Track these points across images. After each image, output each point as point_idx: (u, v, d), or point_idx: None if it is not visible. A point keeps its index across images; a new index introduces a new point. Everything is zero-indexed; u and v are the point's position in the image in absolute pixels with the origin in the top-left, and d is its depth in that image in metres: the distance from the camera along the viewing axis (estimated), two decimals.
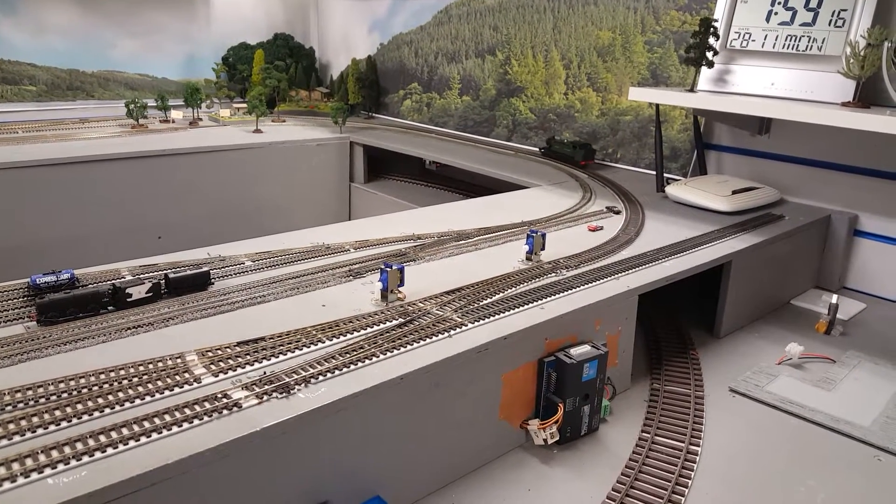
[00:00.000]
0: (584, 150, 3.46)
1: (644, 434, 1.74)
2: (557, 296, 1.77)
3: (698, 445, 1.70)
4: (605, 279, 1.91)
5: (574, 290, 1.82)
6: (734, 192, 2.77)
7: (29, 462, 1.04)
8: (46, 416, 1.15)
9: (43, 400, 1.20)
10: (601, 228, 2.39)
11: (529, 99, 3.98)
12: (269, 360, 1.39)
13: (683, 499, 1.50)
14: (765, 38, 2.72)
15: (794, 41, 2.64)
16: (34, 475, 1.01)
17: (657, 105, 3.01)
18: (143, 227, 3.46)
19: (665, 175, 3.05)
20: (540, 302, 1.73)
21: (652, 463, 1.62)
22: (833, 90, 2.46)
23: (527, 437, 1.69)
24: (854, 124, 2.22)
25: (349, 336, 1.51)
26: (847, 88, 2.40)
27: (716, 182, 2.90)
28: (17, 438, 1.09)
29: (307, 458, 1.27)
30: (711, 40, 2.70)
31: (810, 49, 2.60)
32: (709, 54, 2.71)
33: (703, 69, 2.77)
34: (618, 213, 2.62)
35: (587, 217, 2.54)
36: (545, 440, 1.64)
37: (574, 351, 1.66)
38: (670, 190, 2.85)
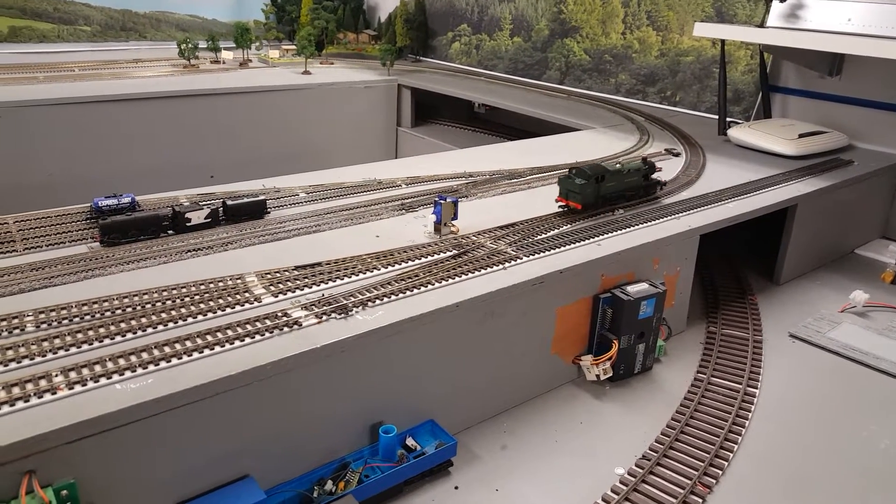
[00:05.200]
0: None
1: (700, 375, 1.71)
2: (615, 233, 1.72)
3: (756, 388, 1.66)
4: (665, 218, 1.85)
5: (632, 228, 1.76)
6: (800, 136, 2.63)
7: (98, 368, 1.07)
8: (112, 328, 1.18)
9: (108, 313, 1.23)
10: (660, 170, 2.30)
11: (584, 39, 3.84)
12: (327, 283, 1.39)
13: (741, 438, 1.48)
14: None
15: None
16: (103, 380, 1.04)
17: (723, 43, 2.86)
18: (195, 166, 3.50)
19: (727, 119, 2.92)
20: (597, 238, 1.69)
21: (708, 402, 1.59)
22: None
23: (579, 373, 1.68)
24: None
25: (404, 265, 1.50)
26: None
27: (781, 125, 2.77)
28: (85, 347, 1.13)
29: (364, 378, 1.28)
30: None
31: None
32: None
33: (774, 4, 2.61)
34: (677, 155, 2.52)
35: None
36: (598, 376, 1.62)
37: (631, 288, 1.62)
38: (733, 133, 2.73)
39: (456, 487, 1.32)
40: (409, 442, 1.35)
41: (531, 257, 1.57)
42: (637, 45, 3.57)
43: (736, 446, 1.45)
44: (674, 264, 1.81)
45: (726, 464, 1.40)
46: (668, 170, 2.32)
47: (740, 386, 1.65)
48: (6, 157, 2.93)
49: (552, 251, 1.61)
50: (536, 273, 1.49)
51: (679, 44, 3.41)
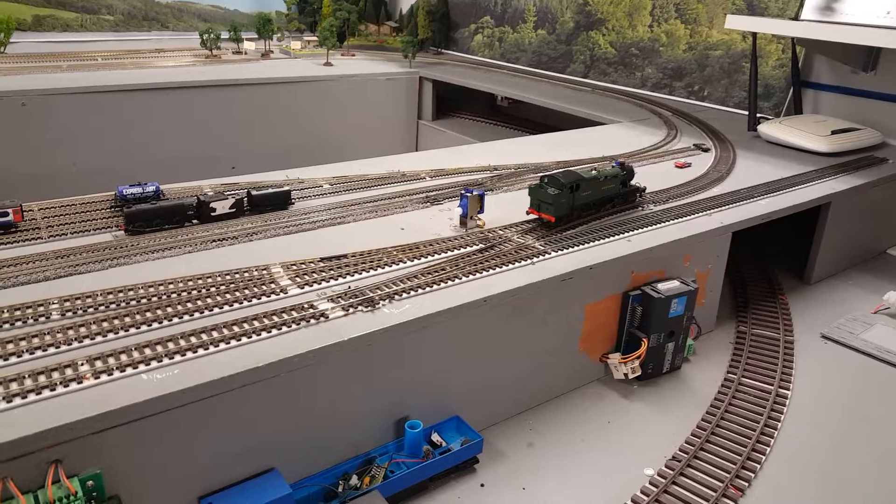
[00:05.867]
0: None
1: (730, 375, 1.67)
2: (645, 229, 1.69)
3: (788, 389, 1.62)
4: (697, 214, 1.80)
5: (663, 224, 1.73)
6: (833, 133, 2.57)
7: (124, 358, 1.06)
8: (138, 317, 1.16)
9: (134, 302, 1.21)
10: (689, 165, 2.26)
11: (610, 32, 3.78)
12: (353, 275, 1.37)
13: (773, 440, 1.44)
14: None
15: None
16: (129, 370, 1.03)
17: (754, 36, 2.80)
18: (216, 157, 3.50)
19: (757, 114, 2.85)
20: (626, 234, 1.65)
21: (739, 404, 1.55)
22: None
23: (606, 371, 1.65)
24: None
25: (430, 258, 1.48)
26: None
27: (813, 121, 2.70)
28: (111, 336, 1.12)
29: (389, 372, 1.26)
30: None
31: None
32: None
33: None
34: (706, 150, 2.47)
35: (673, 154, 2.41)
36: (625, 375, 1.59)
37: (662, 285, 1.58)
38: (763, 128, 2.67)
39: (482, 485, 1.30)
40: (435, 438, 1.33)
41: (559, 252, 1.54)
42: (664, 38, 3.51)
43: (769, 449, 1.41)
44: (705, 262, 1.77)
45: (759, 467, 1.36)
46: (697, 165, 2.27)
47: (772, 387, 1.61)
48: (30, 144, 2.94)
49: (581, 247, 1.57)
50: (565, 269, 1.46)
51: (708, 37, 3.35)
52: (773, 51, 3.10)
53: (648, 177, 2.07)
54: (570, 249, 1.55)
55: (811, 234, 2.21)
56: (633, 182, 1.81)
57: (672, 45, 3.48)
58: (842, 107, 2.91)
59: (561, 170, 1.70)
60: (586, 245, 1.58)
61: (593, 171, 1.69)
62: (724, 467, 1.34)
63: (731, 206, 1.90)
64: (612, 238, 1.62)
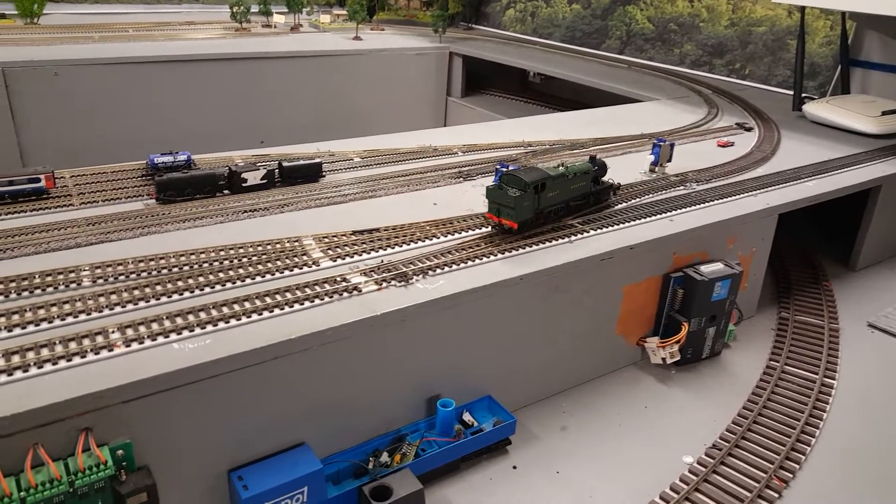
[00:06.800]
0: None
1: (772, 363, 1.61)
2: (688, 209, 1.62)
3: (833, 379, 1.56)
4: (741, 195, 1.73)
5: (706, 203, 1.66)
6: (883, 114, 2.46)
7: (155, 326, 1.04)
8: (169, 286, 1.14)
9: (165, 271, 1.19)
10: (732, 144, 2.18)
11: (648, 7, 3.66)
12: (385, 249, 1.34)
13: (818, 431, 1.38)
14: None
15: None
16: (160, 339, 1.01)
17: (803, 10, 2.68)
18: (244, 130, 3.48)
19: (802, 94, 2.74)
20: (668, 214, 1.59)
21: (782, 392, 1.49)
22: None
23: (642, 355, 1.60)
24: None
25: (464, 234, 1.44)
26: None
27: (862, 102, 2.58)
28: (142, 304, 1.09)
29: (422, 349, 1.23)
30: None
31: None
32: None
33: None
34: (749, 129, 2.38)
35: (715, 132, 2.33)
36: (663, 359, 1.54)
37: (705, 268, 1.52)
38: (809, 108, 2.56)
39: (514, 467, 1.27)
40: (466, 417, 1.30)
41: (598, 231, 1.48)
42: (705, 13, 3.39)
43: (813, 440, 1.36)
44: (749, 245, 1.70)
45: (803, 458, 1.31)
46: (740, 145, 2.19)
47: (816, 376, 1.55)
48: (62, 114, 2.95)
49: (620, 225, 1.52)
50: (605, 248, 1.41)
51: (751, 13, 3.22)
52: (821, 28, 2.97)
53: (690, 155, 2.01)
54: (609, 228, 1.50)
55: (857, 218, 2.12)
56: (605, 178, 1.60)
57: (713, 20, 3.36)
58: (892, 86, 2.78)
59: (523, 167, 1.48)
60: (627, 224, 1.52)
61: (561, 168, 1.47)
62: (768, 457, 1.29)
63: (776, 187, 1.82)
64: (654, 217, 1.56)
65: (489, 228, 1.45)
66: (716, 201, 1.67)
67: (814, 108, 2.56)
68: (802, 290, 1.96)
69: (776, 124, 2.47)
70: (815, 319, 1.80)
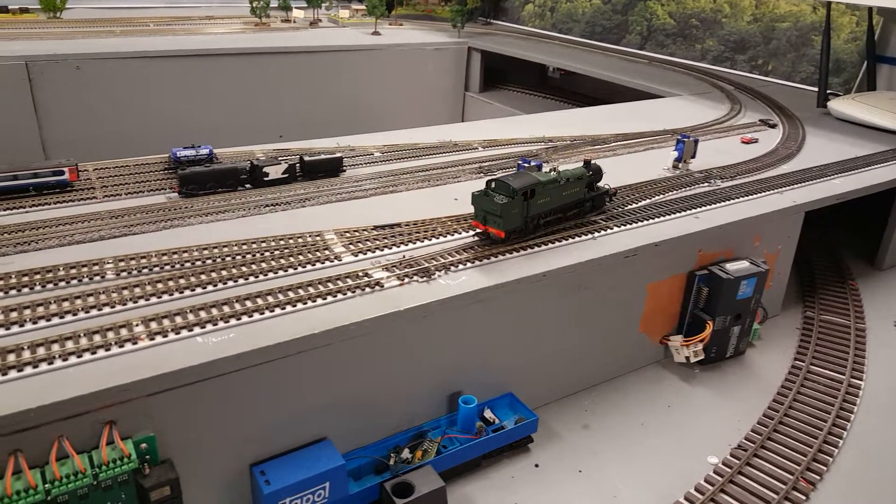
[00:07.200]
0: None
1: (797, 362, 1.58)
2: (713, 206, 1.60)
3: (861, 380, 1.53)
4: (767, 192, 1.70)
5: (732, 201, 1.63)
6: None
7: (179, 320, 1.03)
8: (192, 279, 1.14)
9: (188, 264, 1.19)
10: (756, 141, 2.14)
11: (669, 2, 3.62)
12: (406, 245, 1.33)
13: (846, 433, 1.36)
14: None
15: None
16: (184, 332, 1.01)
17: (828, 6, 2.64)
18: (263, 124, 3.48)
19: (827, 90, 2.70)
20: (693, 211, 1.57)
21: (808, 392, 1.46)
22: None
23: (665, 353, 1.58)
24: None
25: None
26: None
27: (889, 99, 2.54)
28: (165, 298, 1.09)
29: (444, 345, 1.22)
30: None
31: None
32: None
33: None
34: (773, 126, 2.34)
35: (738, 129, 2.29)
36: (687, 358, 1.52)
37: (731, 266, 1.50)
38: (834, 105, 2.52)
39: (536, 465, 1.25)
40: (487, 414, 1.29)
41: (622, 228, 1.46)
42: (728, 8, 3.34)
43: (841, 442, 1.33)
44: (775, 242, 1.67)
45: (831, 460, 1.28)
46: (764, 141, 2.16)
47: (843, 377, 1.52)
48: (83, 107, 2.96)
49: (645, 222, 1.50)
50: (629, 245, 1.39)
51: (775, 8, 3.17)
52: (847, 23, 2.92)
53: (713, 152, 1.98)
54: (634, 225, 1.48)
55: (883, 216, 2.08)
56: (601, 184, 1.52)
57: (736, 16, 3.32)
58: None
59: (511, 173, 1.40)
60: (651, 221, 1.50)
61: (553, 173, 1.39)
62: (794, 459, 1.27)
63: (802, 184, 1.79)
64: (678, 214, 1.54)
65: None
66: (741, 198, 1.65)
67: (839, 105, 2.51)
68: (827, 289, 1.93)
69: (800, 121, 2.43)
70: (841, 319, 1.76)
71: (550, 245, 1.36)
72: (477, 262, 1.28)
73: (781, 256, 1.71)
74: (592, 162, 1.49)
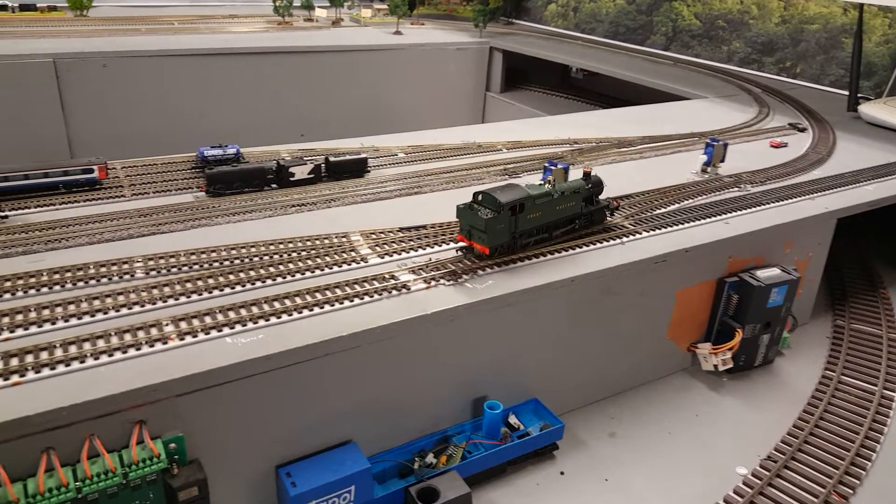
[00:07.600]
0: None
1: (828, 372, 1.55)
2: (744, 211, 1.57)
3: (894, 391, 1.49)
4: (798, 198, 1.67)
5: (763, 206, 1.60)
6: None
7: (208, 320, 1.03)
8: (221, 279, 1.14)
9: (217, 264, 1.19)
10: (786, 145, 2.11)
11: (696, 2, 3.58)
12: (433, 247, 1.32)
13: (879, 445, 1.33)
14: None
15: None
16: (214, 333, 1.01)
17: (861, 7, 2.59)
18: (285, 123, 3.49)
19: (857, 94, 2.65)
20: (724, 216, 1.54)
21: (840, 403, 1.44)
22: None
23: (693, 361, 1.55)
24: None
25: None
26: None
27: None
28: (194, 297, 1.09)
29: (470, 349, 1.21)
30: None
31: None
32: None
33: None
34: (803, 130, 2.30)
35: (767, 132, 2.26)
36: (715, 366, 1.49)
37: (761, 273, 1.47)
38: (865, 109, 2.47)
39: (562, 473, 1.24)
40: (512, 420, 1.28)
41: (651, 233, 1.44)
42: (755, 10, 3.30)
43: (874, 455, 1.30)
44: (806, 249, 1.64)
45: (864, 473, 1.26)
46: (794, 146, 2.12)
47: (876, 388, 1.49)
48: (109, 105, 2.99)
49: (674, 227, 1.47)
50: (658, 251, 1.37)
51: (804, 10, 3.12)
52: (879, 26, 2.86)
53: (742, 156, 1.95)
54: (663, 230, 1.46)
55: None
56: (601, 197, 1.42)
57: (763, 17, 3.27)
58: None
59: (500, 184, 1.31)
60: (681, 226, 1.48)
61: (546, 186, 1.30)
62: (826, 472, 1.24)
63: (834, 190, 1.75)
64: (708, 220, 1.52)
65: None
66: (772, 204, 1.62)
67: (870, 109, 2.47)
68: (858, 298, 1.89)
69: (830, 125, 2.39)
70: (873, 328, 1.73)
71: (579, 249, 1.35)
72: (504, 266, 1.26)
73: (812, 264, 1.68)
74: (593, 174, 1.40)
